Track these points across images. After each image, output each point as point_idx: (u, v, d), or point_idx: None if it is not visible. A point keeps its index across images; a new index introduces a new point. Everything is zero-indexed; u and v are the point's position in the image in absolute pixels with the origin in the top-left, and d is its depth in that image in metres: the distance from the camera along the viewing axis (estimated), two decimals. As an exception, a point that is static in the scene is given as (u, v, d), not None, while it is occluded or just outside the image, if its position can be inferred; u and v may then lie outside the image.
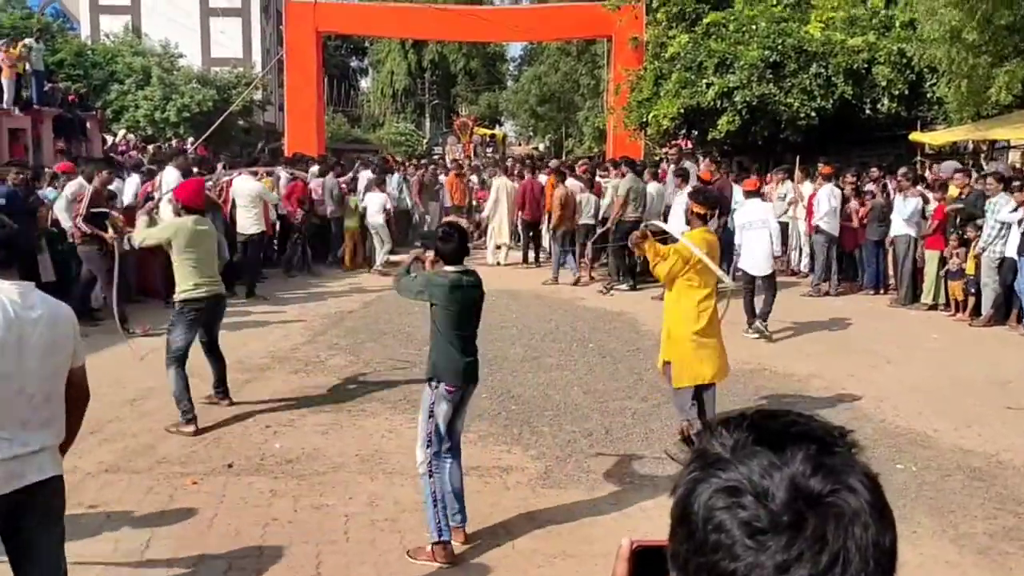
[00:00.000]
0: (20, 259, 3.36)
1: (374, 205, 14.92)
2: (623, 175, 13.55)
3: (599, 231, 13.72)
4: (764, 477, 0.79)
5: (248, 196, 12.49)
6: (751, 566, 0.77)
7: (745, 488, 0.79)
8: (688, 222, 6.89)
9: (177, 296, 6.83)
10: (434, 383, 4.83)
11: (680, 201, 11.49)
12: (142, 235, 7.00)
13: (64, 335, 3.25)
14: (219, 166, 14.77)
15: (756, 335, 10.19)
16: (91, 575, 4.43)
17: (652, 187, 13.95)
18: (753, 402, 7.56)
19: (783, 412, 0.87)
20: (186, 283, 6.76)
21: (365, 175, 16.53)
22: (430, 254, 5.13)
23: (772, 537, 0.77)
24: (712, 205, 6.80)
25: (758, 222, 10.28)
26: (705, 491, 0.81)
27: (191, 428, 6.57)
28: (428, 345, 8.69)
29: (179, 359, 6.67)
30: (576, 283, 13.89)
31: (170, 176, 11.90)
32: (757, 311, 10.40)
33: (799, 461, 0.80)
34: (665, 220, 12.25)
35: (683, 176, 13.28)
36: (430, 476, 4.69)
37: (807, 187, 14.16)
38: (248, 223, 12.49)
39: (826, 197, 12.95)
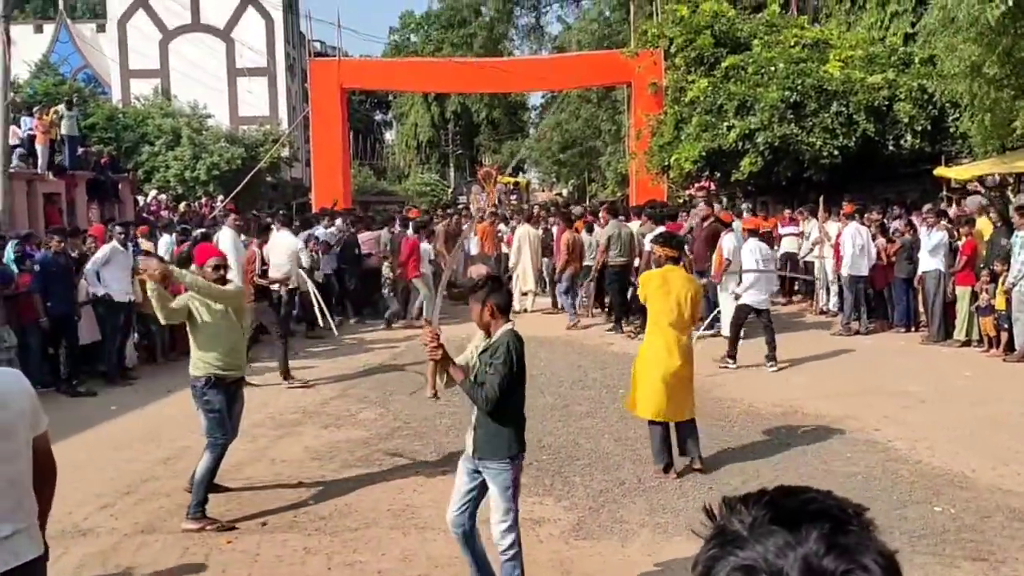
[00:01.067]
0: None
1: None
2: (606, 222, 14.18)
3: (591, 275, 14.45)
4: (779, 556, 0.82)
5: (284, 251, 12.48)
6: None
7: (760, 567, 0.82)
8: (657, 264, 7.36)
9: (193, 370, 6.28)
10: (517, 459, 4.62)
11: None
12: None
13: (19, 412, 2.98)
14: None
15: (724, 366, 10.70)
16: (129, 638, 4.45)
17: (635, 227, 14.18)
18: (785, 446, 7.49)
19: (801, 489, 0.90)
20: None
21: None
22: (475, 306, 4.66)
23: None
24: (675, 247, 7.23)
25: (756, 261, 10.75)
26: (723, 570, 0.84)
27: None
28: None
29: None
30: (574, 327, 14.01)
31: (225, 236, 11.96)
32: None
33: (813, 540, 0.82)
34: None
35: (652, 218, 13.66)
36: (518, 559, 4.58)
37: (832, 226, 14.14)
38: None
39: (850, 238, 12.88)
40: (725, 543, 0.86)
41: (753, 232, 11.42)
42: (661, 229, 11.53)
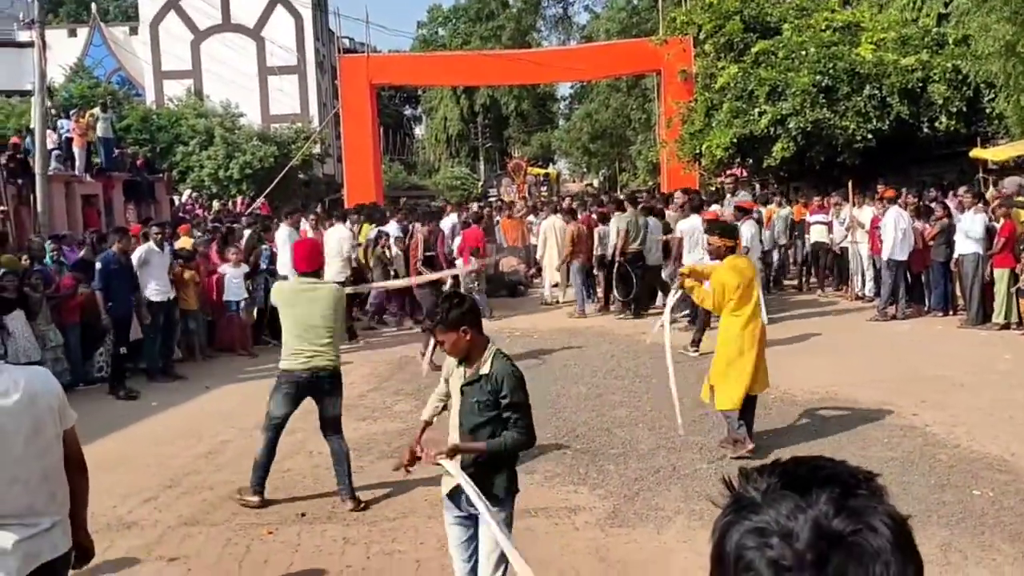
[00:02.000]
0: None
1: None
2: (624, 211, 14.21)
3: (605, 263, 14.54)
4: (790, 519, 0.85)
5: (336, 245, 12.66)
6: None
7: (772, 529, 0.85)
8: (715, 255, 7.17)
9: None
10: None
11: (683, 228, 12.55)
12: None
13: (47, 408, 3.06)
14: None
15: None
16: (175, 627, 4.56)
17: (651, 220, 14.12)
18: (822, 432, 7.46)
19: (813, 458, 0.94)
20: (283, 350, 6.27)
21: (451, 219, 16.60)
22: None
23: (797, 574, 0.82)
24: (734, 236, 7.25)
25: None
26: (736, 533, 0.88)
27: (255, 499, 6.22)
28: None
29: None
30: (582, 315, 13.99)
31: (282, 233, 12.54)
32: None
33: (823, 503, 0.86)
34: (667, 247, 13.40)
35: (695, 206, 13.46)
36: None
37: (866, 211, 13.98)
38: (334, 272, 12.20)
39: (892, 223, 12.63)
40: (740, 509, 0.90)
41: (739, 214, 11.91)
42: (700, 220, 11.48)
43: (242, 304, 12.32)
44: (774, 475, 0.92)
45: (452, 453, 3.81)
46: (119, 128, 26.06)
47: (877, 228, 13.16)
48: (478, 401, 3.84)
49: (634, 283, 13.87)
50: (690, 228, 12.51)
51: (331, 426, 6.39)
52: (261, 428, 6.48)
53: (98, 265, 10.34)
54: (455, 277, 12.29)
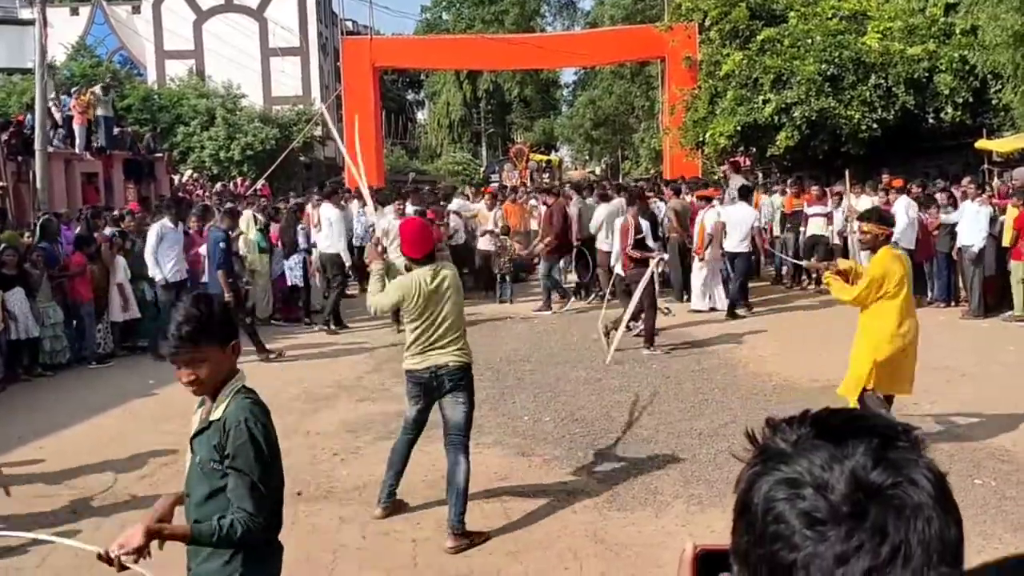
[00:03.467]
0: None
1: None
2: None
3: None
4: (825, 470, 0.80)
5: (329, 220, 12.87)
6: (810, 556, 0.77)
7: (805, 480, 0.80)
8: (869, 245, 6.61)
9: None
10: None
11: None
12: (374, 301, 5.50)
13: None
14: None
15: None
16: (168, 602, 4.51)
17: (602, 208, 13.73)
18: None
19: (846, 410, 0.87)
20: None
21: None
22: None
23: (832, 528, 0.77)
24: (888, 223, 6.64)
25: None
26: (765, 483, 0.82)
27: (377, 511, 5.59)
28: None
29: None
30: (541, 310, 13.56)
31: (327, 210, 12.87)
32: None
33: (860, 454, 0.80)
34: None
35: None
36: None
37: (864, 201, 13.88)
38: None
39: (903, 210, 12.51)
40: (768, 459, 0.84)
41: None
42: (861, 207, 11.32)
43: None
44: (805, 425, 0.86)
45: (146, 541, 2.55)
46: (120, 108, 25.95)
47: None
48: (202, 460, 2.73)
49: (590, 267, 14.10)
50: (607, 214, 12.68)
51: (452, 434, 5.38)
52: None
53: (221, 245, 10.29)
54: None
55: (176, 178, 24.23)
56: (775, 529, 0.79)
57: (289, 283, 13.29)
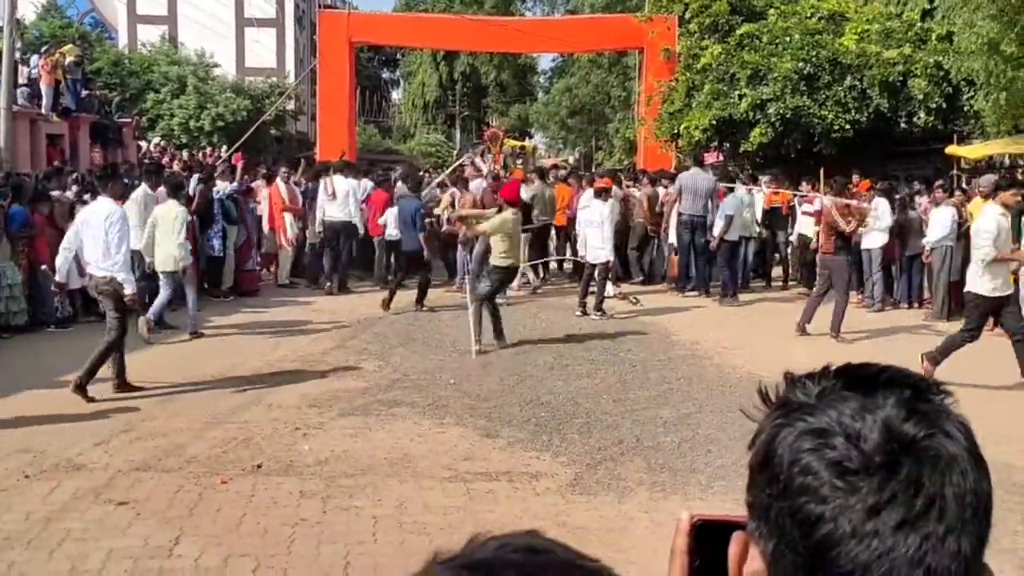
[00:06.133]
0: None
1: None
2: (533, 182, 15.25)
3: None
4: (855, 419, 0.76)
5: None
6: (840, 508, 0.73)
7: (835, 430, 0.76)
8: None
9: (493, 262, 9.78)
10: None
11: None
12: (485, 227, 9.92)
13: None
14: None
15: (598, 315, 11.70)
16: (122, 569, 4.43)
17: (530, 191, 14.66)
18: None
19: (872, 363, 0.84)
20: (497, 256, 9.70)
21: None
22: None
23: (863, 478, 0.73)
24: None
25: (596, 220, 11.80)
26: (791, 435, 0.78)
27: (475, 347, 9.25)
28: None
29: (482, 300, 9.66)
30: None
31: (341, 182, 13.90)
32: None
33: (892, 405, 0.76)
34: None
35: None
36: None
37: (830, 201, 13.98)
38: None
39: (886, 211, 12.69)
40: (791, 411, 0.80)
41: (599, 192, 12.28)
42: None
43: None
44: (830, 377, 0.82)
45: None
46: (89, 71, 25.42)
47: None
48: None
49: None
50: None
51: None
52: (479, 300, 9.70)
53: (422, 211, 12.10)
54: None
55: (144, 145, 23.82)
56: (802, 481, 0.75)
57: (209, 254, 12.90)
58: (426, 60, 51.32)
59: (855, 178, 14.63)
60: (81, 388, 7.40)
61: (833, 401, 0.78)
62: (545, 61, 52.10)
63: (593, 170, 29.07)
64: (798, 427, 0.78)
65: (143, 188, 10.94)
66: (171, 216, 9.96)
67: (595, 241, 11.87)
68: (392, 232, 13.41)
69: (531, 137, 53.91)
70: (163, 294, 10.13)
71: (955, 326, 11.55)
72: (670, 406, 7.59)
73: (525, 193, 14.22)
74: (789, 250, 15.18)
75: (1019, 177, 15.77)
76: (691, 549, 0.92)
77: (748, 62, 18.37)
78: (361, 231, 14.10)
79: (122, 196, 8.44)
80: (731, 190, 13.28)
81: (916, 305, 12.88)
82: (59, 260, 8.05)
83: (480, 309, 9.77)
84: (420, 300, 12.10)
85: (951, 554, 0.72)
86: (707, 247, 13.37)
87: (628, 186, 16.00)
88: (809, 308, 10.76)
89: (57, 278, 8.33)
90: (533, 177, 15.51)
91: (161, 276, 10.10)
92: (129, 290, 7.55)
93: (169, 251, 9.97)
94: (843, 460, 0.74)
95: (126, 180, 10.12)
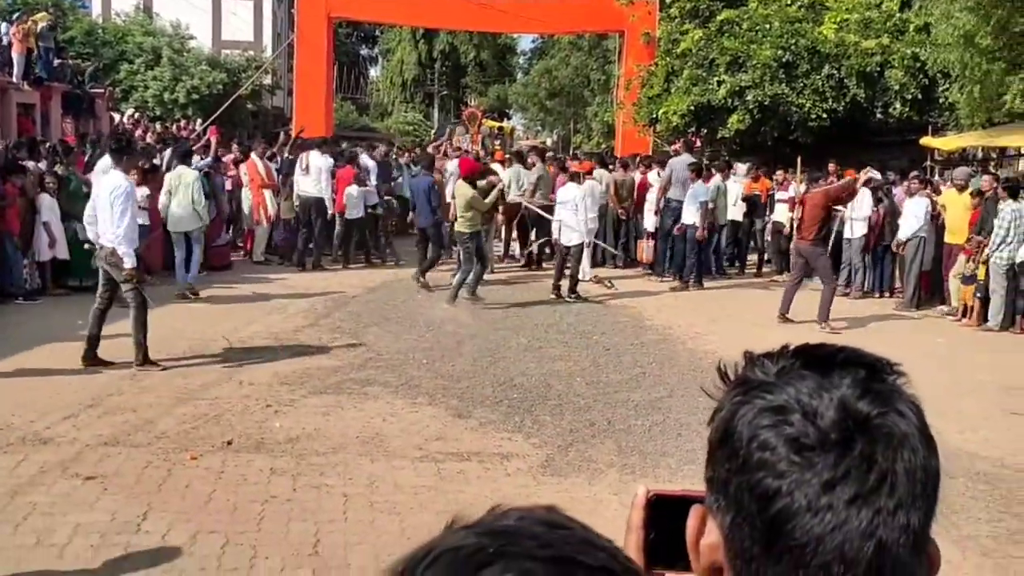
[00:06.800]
0: None
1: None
2: (510, 164, 15.43)
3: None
4: (813, 398, 0.78)
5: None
6: (796, 483, 0.75)
7: (793, 407, 0.78)
8: None
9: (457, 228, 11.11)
10: None
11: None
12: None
13: None
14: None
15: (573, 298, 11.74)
16: (89, 543, 4.40)
17: (533, 173, 14.72)
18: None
19: (830, 344, 0.86)
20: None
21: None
22: None
23: (819, 455, 0.75)
24: None
25: (571, 203, 11.88)
26: (750, 411, 0.80)
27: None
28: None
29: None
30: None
31: (316, 158, 13.79)
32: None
33: (848, 385, 0.78)
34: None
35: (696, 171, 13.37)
36: None
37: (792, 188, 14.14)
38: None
39: (867, 201, 12.79)
40: (750, 389, 0.82)
41: (574, 176, 12.64)
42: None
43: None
44: (788, 357, 0.84)
45: None
46: (62, 40, 24.99)
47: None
48: None
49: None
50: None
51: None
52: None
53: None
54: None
55: (117, 116, 23.49)
56: (760, 456, 0.77)
57: None
58: (405, 37, 50.90)
59: (831, 167, 14.71)
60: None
61: (791, 380, 0.80)
62: (525, 42, 51.83)
63: (570, 153, 29.07)
64: (757, 404, 0.79)
65: (107, 159, 10.75)
66: (187, 180, 11.15)
67: (569, 223, 11.88)
68: (353, 212, 13.89)
69: (509, 118, 53.70)
70: (196, 253, 11.37)
71: (926, 315, 11.73)
72: (642, 390, 7.63)
73: (531, 176, 14.52)
74: (768, 237, 15.27)
75: (991, 170, 15.96)
76: (647, 524, 0.93)
77: (728, 48, 18.39)
78: (330, 209, 13.99)
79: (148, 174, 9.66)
80: (698, 175, 13.22)
81: (887, 295, 13.01)
82: (89, 233, 8.09)
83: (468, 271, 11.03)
84: (424, 272, 12.10)
85: (901, 527, 0.75)
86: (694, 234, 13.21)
87: (611, 171, 15.97)
88: (787, 296, 10.82)
89: (90, 236, 8.28)
90: (534, 160, 15.28)
91: (186, 237, 11.25)
92: (128, 264, 7.48)
93: (186, 213, 11.13)
94: (800, 436, 0.76)
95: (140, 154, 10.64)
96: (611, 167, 16.01)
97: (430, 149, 18.76)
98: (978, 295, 11.07)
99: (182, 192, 11.16)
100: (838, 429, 0.76)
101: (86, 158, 12.77)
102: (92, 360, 7.64)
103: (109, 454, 5.61)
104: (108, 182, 7.70)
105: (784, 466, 0.76)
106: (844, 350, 0.84)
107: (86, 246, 9.11)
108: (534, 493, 5.30)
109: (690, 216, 13.00)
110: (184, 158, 11.74)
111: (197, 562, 4.30)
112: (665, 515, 0.92)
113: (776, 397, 0.79)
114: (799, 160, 14.36)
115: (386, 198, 15.35)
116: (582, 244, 11.97)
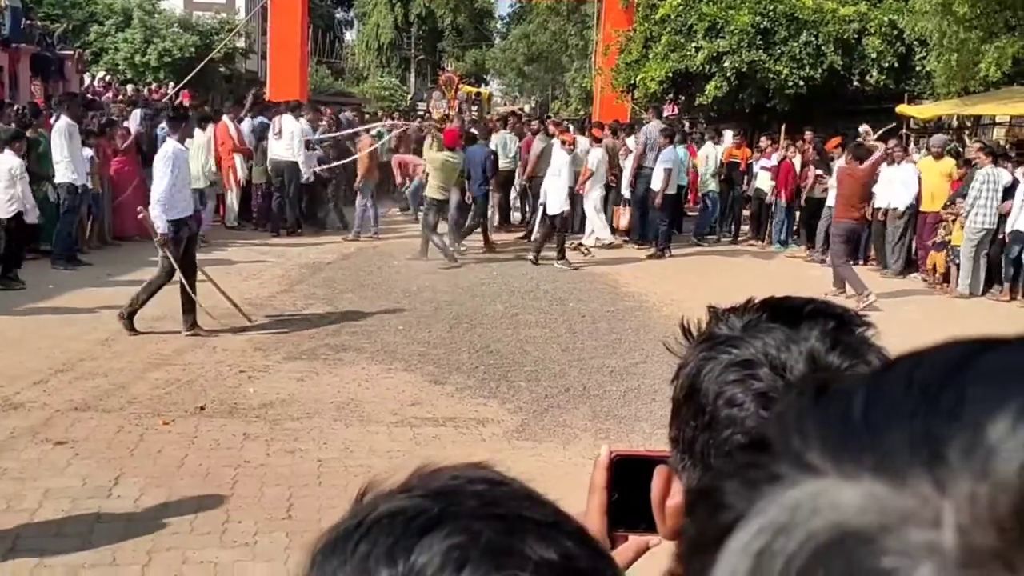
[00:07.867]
0: None
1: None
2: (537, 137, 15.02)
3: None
4: (781, 351, 0.76)
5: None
6: None
7: (760, 361, 0.76)
8: None
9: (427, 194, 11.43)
10: None
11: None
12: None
13: None
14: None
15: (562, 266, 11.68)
16: (59, 508, 4.36)
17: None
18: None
19: (797, 296, 0.84)
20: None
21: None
22: None
23: None
24: None
25: (555, 170, 11.92)
26: (716, 367, 0.78)
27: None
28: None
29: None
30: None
31: (289, 122, 13.54)
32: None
33: (816, 337, 0.77)
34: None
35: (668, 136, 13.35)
36: None
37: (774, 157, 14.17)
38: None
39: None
40: (716, 344, 0.80)
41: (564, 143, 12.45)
42: None
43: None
44: (754, 310, 0.82)
45: None
46: (30, 0, 24.44)
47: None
48: None
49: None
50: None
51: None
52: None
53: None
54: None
55: (87, 79, 23.07)
56: (728, 413, 0.76)
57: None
58: (381, 1, 50.26)
59: (807, 135, 14.71)
60: (193, 327, 7.63)
61: (758, 333, 0.78)
62: (503, 6, 51.47)
63: (546, 119, 28.92)
64: (723, 359, 0.78)
65: (64, 119, 10.52)
66: (196, 145, 11.26)
67: (554, 191, 11.81)
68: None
69: (487, 84, 53.30)
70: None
71: (911, 282, 11.82)
72: (617, 356, 7.65)
73: (534, 147, 14.36)
74: (748, 205, 15.33)
75: (965, 138, 16.05)
76: (610, 485, 0.92)
77: (706, 14, 18.27)
78: (305, 174, 13.67)
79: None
80: (670, 140, 13.21)
81: (862, 262, 13.08)
82: None
83: (430, 237, 11.38)
84: (467, 234, 12.50)
85: None
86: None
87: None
88: (850, 276, 10.26)
89: None
90: (536, 128, 15.42)
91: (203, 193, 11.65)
92: (161, 227, 7.36)
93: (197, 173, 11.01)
94: (769, 391, 0.74)
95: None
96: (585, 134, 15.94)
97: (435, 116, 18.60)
98: (956, 262, 11.15)
99: (194, 153, 10.98)
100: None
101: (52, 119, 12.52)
102: (192, 326, 7.68)
103: (80, 419, 5.56)
104: (161, 149, 7.83)
105: (753, 422, 0.74)
106: (812, 301, 0.82)
107: None
108: (509, 457, 5.30)
109: (658, 182, 12.96)
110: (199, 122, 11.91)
111: (170, 527, 4.28)
112: (628, 476, 0.91)
113: (743, 351, 0.77)
114: (783, 128, 14.35)
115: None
116: (563, 212, 11.87)
